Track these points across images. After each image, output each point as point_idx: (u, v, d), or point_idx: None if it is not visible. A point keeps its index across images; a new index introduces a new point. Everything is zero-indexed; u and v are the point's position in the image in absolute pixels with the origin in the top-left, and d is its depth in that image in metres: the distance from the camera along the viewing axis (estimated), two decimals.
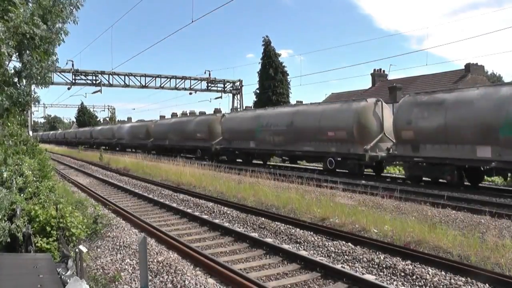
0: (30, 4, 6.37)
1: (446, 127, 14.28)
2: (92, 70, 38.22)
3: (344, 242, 7.47)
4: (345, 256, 6.90)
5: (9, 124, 8.45)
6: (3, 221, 5.38)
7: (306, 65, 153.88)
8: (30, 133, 23.04)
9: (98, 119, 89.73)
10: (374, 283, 5.51)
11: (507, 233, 7.94)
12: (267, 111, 25.06)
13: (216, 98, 47.10)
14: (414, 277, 5.85)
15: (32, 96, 7.24)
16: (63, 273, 3.96)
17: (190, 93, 42.44)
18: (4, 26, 5.58)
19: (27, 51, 6.42)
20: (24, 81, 7.06)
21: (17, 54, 6.50)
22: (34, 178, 8.34)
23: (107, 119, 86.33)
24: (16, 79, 6.83)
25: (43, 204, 6.59)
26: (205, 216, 10.18)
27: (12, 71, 6.84)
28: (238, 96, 44.04)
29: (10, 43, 5.67)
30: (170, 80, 41.16)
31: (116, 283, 5.60)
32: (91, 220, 7.90)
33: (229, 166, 21.50)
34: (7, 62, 6.35)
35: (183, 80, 41.63)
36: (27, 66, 6.58)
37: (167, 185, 15.83)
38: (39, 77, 6.90)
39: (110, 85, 39.21)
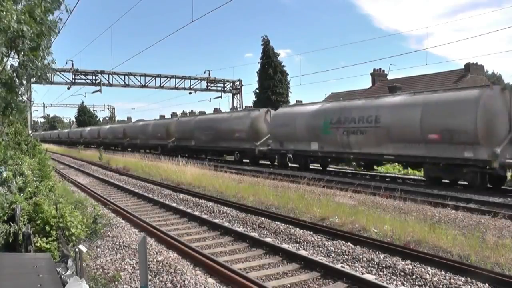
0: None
1: None
2: (92, 69, 38.30)
3: (343, 242, 7.47)
4: (345, 256, 6.90)
5: (7, 123, 8.46)
6: (2, 221, 5.39)
7: (304, 64, 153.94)
8: (30, 132, 23.03)
9: (98, 119, 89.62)
10: (374, 282, 5.51)
11: (507, 233, 7.95)
12: (340, 103, 19.86)
13: (216, 97, 47.28)
14: (414, 276, 5.85)
15: (29, 103, 7.25)
16: (63, 273, 3.95)
17: (190, 93, 42.52)
18: None
19: (21, 52, 6.41)
20: (23, 79, 7.06)
21: (14, 52, 6.49)
22: (34, 178, 8.35)
23: (107, 118, 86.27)
24: (15, 76, 6.82)
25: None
26: (204, 216, 10.18)
27: (9, 69, 6.84)
28: (238, 95, 44.08)
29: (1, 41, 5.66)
30: (169, 80, 41.21)
31: (116, 282, 5.59)
32: (91, 220, 7.90)
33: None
34: (5, 60, 6.35)
35: (183, 80, 41.68)
36: (23, 66, 6.58)
37: (167, 185, 15.83)
38: (36, 76, 6.89)
39: (110, 85, 39.27)
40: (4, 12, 5.57)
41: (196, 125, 31.36)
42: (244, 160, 25.92)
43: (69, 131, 75.04)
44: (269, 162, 25.02)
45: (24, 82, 7.33)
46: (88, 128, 64.04)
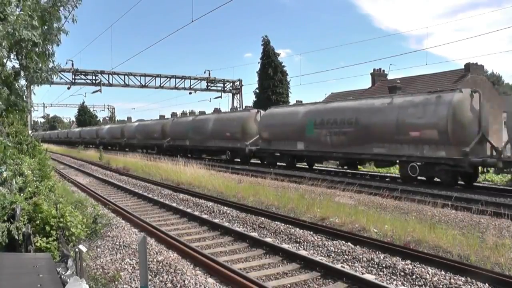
0: (29, 2, 6.34)
1: None
2: (92, 69, 38.31)
3: (344, 242, 7.47)
4: (345, 256, 6.90)
5: (8, 123, 8.46)
6: (2, 221, 5.38)
7: (304, 64, 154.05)
8: (30, 132, 23.00)
9: (98, 119, 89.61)
10: (374, 282, 5.51)
11: (506, 232, 7.95)
12: None
13: (216, 97, 47.27)
14: (414, 276, 5.85)
15: (29, 103, 7.26)
16: (63, 273, 3.95)
17: (190, 93, 42.54)
18: (4, 30, 5.55)
19: (23, 54, 6.42)
20: (23, 81, 7.07)
21: (15, 54, 6.49)
22: (34, 178, 8.34)
23: (107, 118, 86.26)
24: (13, 78, 6.82)
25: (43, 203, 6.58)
26: (204, 216, 10.18)
27: (10, 70, 6.84)
28: (238, 95, 44.08)
29: (3, 44, 5.65)
30: (169, 80, 41.24)
31: (116, 282, 5.60)
32: (91, 220, 7.90)
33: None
34: (5, 61, 6.35)
35: (183, 80, 41.69)
36: (25, 69, 6.59)
37: (167, 185, 15.82)
38: (39, 79, 6.90)
39: (110, 85, 39.31)
40: (11, 17, 5.58)
41: (309, 119, 19.58)
42: (419, 177, 15.19)
43: (81, 130, 64.74)
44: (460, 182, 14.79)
45: (25, 83, 7.33)
46: (106, 126, 54.37)
